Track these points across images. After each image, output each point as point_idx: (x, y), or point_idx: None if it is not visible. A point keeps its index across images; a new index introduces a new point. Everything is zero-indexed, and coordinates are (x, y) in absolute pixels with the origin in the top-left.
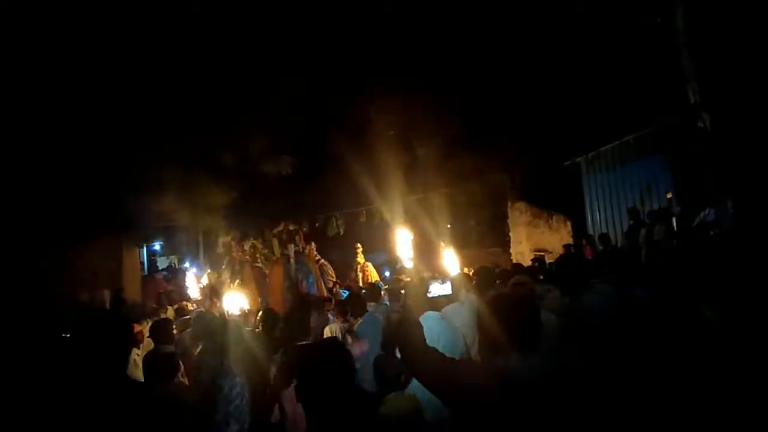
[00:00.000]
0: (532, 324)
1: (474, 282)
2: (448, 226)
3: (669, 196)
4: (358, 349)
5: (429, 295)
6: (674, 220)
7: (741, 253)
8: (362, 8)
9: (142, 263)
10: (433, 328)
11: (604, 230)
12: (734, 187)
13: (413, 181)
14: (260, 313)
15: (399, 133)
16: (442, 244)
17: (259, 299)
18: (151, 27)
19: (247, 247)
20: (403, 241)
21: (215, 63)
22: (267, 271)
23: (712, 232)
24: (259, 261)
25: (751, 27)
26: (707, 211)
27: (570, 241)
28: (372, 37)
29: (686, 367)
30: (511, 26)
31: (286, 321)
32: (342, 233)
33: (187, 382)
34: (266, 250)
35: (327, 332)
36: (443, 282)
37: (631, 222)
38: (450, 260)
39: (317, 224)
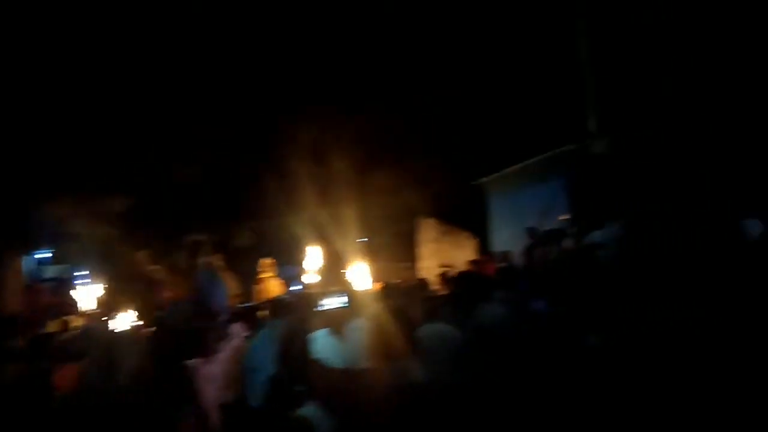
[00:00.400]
0: (413, 333)
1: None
2: (365, 240)
3: (564, 218)
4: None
5: (322, 308)
6: (568, 240)
7: (625, 274)
8: (275, 28)
9: (27, 273)
10: (325, 345)
11: (507, 248)
12: (623, 211)
13: (328, 195)
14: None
15: (315, 147)
16: (351, 258)
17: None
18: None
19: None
20: (311, 255)
21: (114, 58)
22: (168, 283)
23: (600, 253)
24: (159, 273)
25: (650, 59)
26: (597, 232)
27: (475, 257)
28: (287, 52)
29: (575, 380)
30: (421, 48)
31: (184, 336)
32: (253, 245)
33: None
34: (172, 262)
35: None
36: (340, 295)
37: (530, 241)
38: (359, 275)
39: (226, 235)
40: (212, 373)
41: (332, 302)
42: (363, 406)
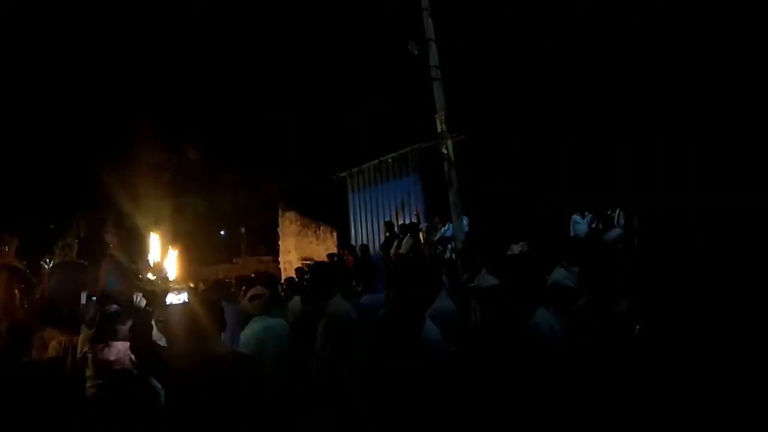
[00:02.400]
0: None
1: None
2: (222, 234)
3: (416, 213)
4: None
5: (165, 305)
6: (421, 234)
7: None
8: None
9: None
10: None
11: (365, 241)
12: (470, 205)
13: (176, 186)
14: None
15: (165, 136)
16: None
17: None
18: None
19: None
20: (153, 249)
21: None
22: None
23: (450, 246)
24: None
25: (495, 64)
26: (447, 226)
27: (335, 250)
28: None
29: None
30: (282, 46)
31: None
32: (85, 238)
33: None
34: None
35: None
36: (179, 293)
37: (387, 234)
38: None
39: (51, 227)
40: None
41: (173, 299)
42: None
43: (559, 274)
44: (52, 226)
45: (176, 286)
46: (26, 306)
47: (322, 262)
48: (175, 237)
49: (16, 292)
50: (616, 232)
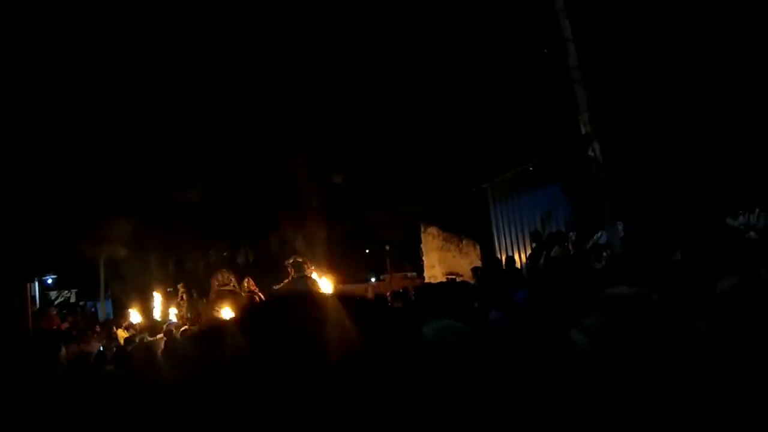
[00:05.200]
0: None
1: None
2: (366, 251)
3: (565, 221)
4: None
5: None
6: (570, 243)
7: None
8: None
9: (33, 297)
10: None
11: (510, 253)
12: (623, 211)
13: (325, 208)
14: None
15: (313, 161)
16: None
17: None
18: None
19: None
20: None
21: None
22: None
23: (604, 254)
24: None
25: (638, 62)
26: (600, 234)
27: (479, 264)
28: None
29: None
30: (419, 60)
31: None
32: (251, 263)
33: None
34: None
35: None
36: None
37: (534, 245)
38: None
39: (225, 253)
40: None
41: None
42: None
43: None
44: (225, 254)
45: None
46: None
47: (428, 285)
48: (329, 257)
49: None
50: None
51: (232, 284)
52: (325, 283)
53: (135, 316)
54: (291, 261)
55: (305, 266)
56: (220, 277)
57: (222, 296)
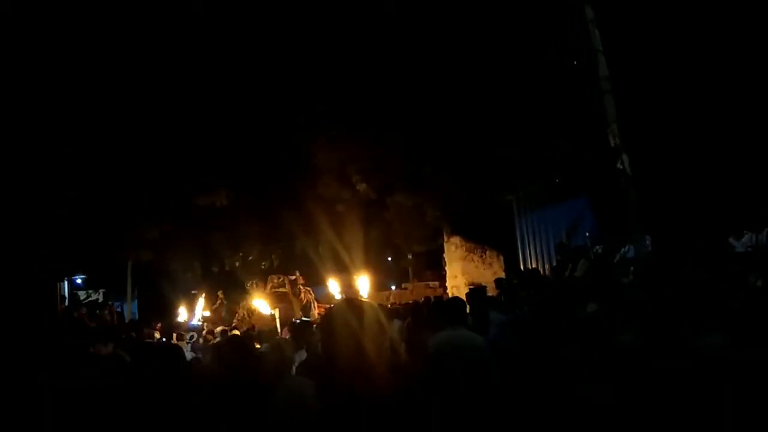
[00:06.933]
0: None
1: None
2: (389, 260)
3: (590, 234)
4: None
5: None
6: (593, 257)
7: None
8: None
9: (63, 297)
10: None
11: (534, 265)
12: (652, 224)
13: (352, 217)
14: None
15: (339, 170)
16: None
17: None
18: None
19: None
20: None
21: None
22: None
23: (632, 268)
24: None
25: (668, 74)
26: (627, 247)
27: (502, 275)
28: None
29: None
30: (447, 71)
31: None
32: (275, 266)
33: None
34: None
35: None
36: None
37: (559, 258)
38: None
39: (250, 258)
40: None
41: None
42: None
43: None
44: (250, 258)
45: None
46: None
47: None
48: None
49: None
50: None
51: (287, 286)
52: (363, 284)
53: (183, 314)
54: (279, 280)
55: (298, 284)
56: (275, 280)
57: (277, 297)
